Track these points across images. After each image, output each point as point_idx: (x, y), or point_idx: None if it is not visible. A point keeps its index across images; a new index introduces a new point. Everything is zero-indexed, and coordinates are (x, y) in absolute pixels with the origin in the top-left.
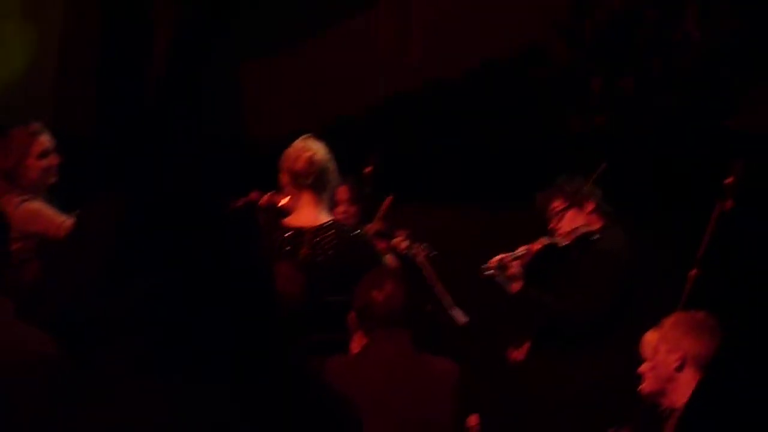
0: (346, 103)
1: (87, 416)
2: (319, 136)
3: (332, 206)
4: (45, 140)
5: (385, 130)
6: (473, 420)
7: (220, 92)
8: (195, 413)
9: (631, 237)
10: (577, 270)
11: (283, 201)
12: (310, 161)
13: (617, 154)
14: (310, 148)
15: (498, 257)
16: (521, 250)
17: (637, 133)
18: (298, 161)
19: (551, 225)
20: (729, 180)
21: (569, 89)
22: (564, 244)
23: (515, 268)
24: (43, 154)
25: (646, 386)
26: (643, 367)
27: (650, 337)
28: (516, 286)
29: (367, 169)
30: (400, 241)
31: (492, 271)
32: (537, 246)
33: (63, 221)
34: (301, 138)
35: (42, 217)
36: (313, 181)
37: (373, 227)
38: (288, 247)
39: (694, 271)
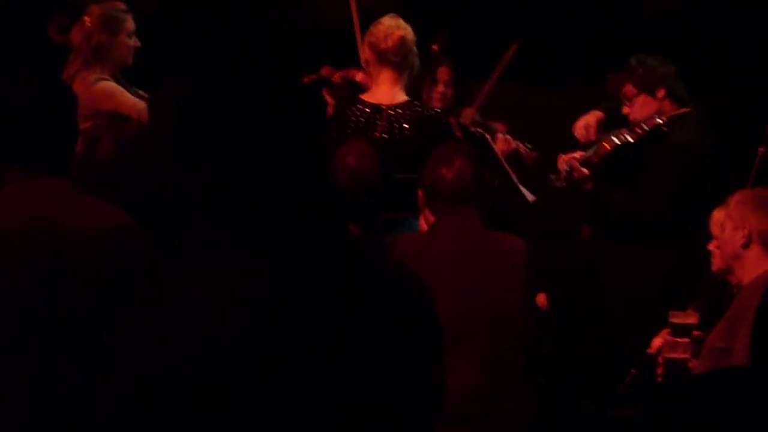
0: None
1: (167, 285)
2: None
3: (432, 85)
4: (132, 20)
5: (455, 8)
6: (541, 298)
7: None
8: (271, 284)
9: (707, 121)
10: (648, 166)
11: (360, 76)
12: (403, 40)
13: (689, 36)
14: (402, 27)
15: (566, 159)
16: (590, 151)
17: (709, 15)
18: (388, 39)
19: (623, 111)
20: None
21: None
22: (635, 139)
23: (584, 172)
24: (131, 34)
25: (714, 264)
26: (711, 245)
27: (717, 215)
28: (587, 186)
29: (434, 47)
30: (501, 138)
31: (561, 182)
32: (607, 147)
33: (135, 102)
34: (388, 16)
35: (116, 97)
36: (401, 60)
37: (469, 113)
38: (363, 123)
39: (762, 149)
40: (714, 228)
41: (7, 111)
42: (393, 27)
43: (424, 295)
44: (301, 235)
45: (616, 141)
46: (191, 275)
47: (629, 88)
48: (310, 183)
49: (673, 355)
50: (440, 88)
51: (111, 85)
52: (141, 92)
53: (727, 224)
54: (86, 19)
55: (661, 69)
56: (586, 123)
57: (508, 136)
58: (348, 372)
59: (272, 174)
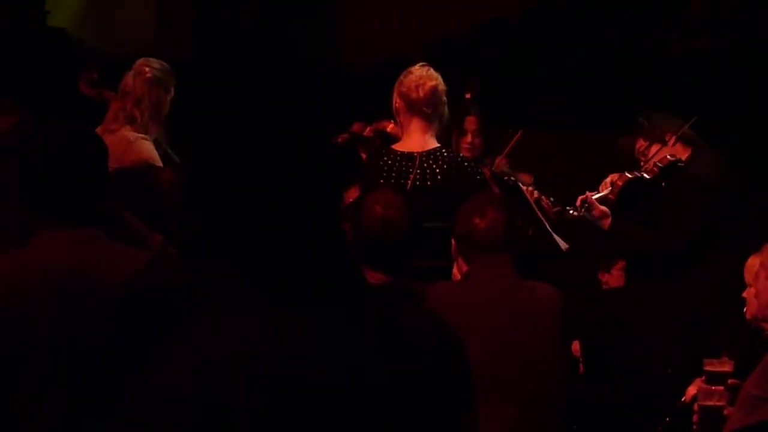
0: (446, 26)
1: (197, 332)
2: (419, 60)
3: (459, 135)
4: None
5: (485, 55)
6: (575, 346)
7: (318, 16)
8: (299, 334)
9: (725, 161)
10: (667, 199)
11: (391, 127)
12: (434, 91)
13: (718, 77)
14: (434, 77)
15: (583, 196)
16: (606, 188)
17: (738, 56)
18: (420, 89)
19: (641, 165)
20: None
21: (669, 11)
22: (650, 176)
23: (602, 208)
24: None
25: (748, 311)
26: (746, 293)
27: (752, 262)
28: (605, 223)
29: (467, 95)
30: (529, 191)
31: (576, 213)
32: (621, 181)
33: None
34: (419, 65)
35: (147, 159)
36: (432, 110)
37: (498, 163)
38: (396, 172)
39: None
40: (748, 275)
41: (37, 161)
42: (424, 77)
43: (455, 343)
44: (325, 286)
45: (629, 176)
46: (215, 324)
47: (640, 143)
48: (324, 237)
49: (709, 403)
50: (468, 138)
51: (149, 146)
52: (173, 154)
53: (761, 273)
54: (146, 69)
55: (668, 119)
56: (611, 179)
57: (531, 188)
58: (379, 422)
59: (289, 228)
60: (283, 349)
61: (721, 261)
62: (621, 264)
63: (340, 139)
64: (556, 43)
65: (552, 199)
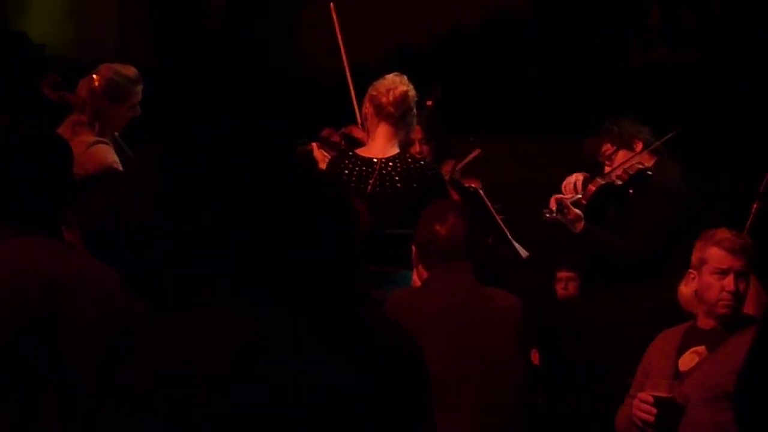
0: (408, 34)
1: (155, 343)
2: (378, 67)
3: (407, 146)
4: (140, 91)
5: (448, 63)
6: (534, 355)
7: (280, 23)
8: (264, 342)
9: (686, 170)
10: (634, 206)
11: (359, 132)
12: (404, 96)
13: (678, 86)
14: (406, 84)
15: (556, 198)
16: (569, 188)
17: (698, 66)
18: (390, 93)
19: (606, 169)
20: None
21: (629, 23)
22: (620, 182)
23: (575, 211)
24: (134, 106)
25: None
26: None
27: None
28: (578, 226)
29: (429, 102)
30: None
31: (552, 215)
32: (593, 187)
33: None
34: (393, 74)
35: (104, 164)
36: (400, 115)
37: (449, 173)
38: (356, 177)
39: (756, 204)
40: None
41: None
42: (396, 82)
43: (415, 351)
44: (299, 292)
45: (602, 181)
46: (188, 329)
47: (607, 147)
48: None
49: (660, 394)
50: (416, 147)
51: (104, 150)
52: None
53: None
54: (95, 77)
55: (635, 125)
56: (575, 179)
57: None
58: (337, 429)
59: (276, 233)
60: (246, 353)
61: (679, 270)
62: (569, 274)
63: (300, 149)
64: (518, 51)
65: (498, 206)
